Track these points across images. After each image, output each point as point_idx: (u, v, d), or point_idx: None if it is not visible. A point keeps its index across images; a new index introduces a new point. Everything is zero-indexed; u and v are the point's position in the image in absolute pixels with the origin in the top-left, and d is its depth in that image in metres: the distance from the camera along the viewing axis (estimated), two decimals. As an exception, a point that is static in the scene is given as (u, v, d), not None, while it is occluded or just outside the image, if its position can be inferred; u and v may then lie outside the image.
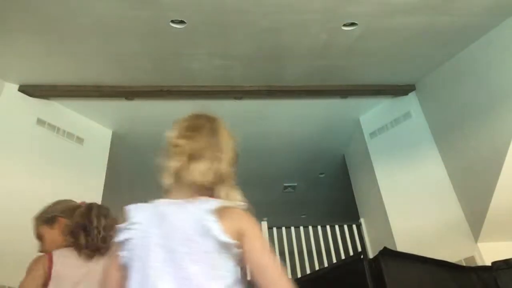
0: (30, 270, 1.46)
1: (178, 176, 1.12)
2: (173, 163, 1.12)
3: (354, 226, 5.46)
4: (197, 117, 1.28)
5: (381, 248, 2.64)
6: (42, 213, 1.81)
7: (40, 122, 4.18)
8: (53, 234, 1.71)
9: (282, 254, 5.19)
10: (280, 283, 0.99)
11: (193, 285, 0.94)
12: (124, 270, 1.02)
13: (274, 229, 5.46)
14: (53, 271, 1.48)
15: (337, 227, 5.42)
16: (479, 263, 3.65)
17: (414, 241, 4.13)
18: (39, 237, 1.76)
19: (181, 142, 1.15)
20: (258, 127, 5.23)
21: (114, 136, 5.00)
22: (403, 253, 2.65)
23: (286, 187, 7.06)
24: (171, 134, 1.20)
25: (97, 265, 1.51)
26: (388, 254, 2.39)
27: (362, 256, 2.40)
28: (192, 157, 1.12)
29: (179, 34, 3.51)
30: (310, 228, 5.41)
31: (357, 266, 2.35)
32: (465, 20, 3.55)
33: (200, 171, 1.10)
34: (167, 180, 1.12)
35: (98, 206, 1.78)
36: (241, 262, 1.03)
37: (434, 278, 2.52)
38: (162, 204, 1.11)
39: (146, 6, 3.18)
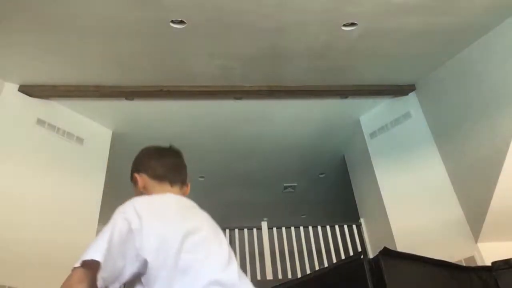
0: None
1: None
2: None
3: (354, 226, 5.46)
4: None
5: (381, 248, 2.64)
6: None
7: (40, 122, 4.18)
8: None
9: (282, 254, 5.20)
10: None
11: None
12: None
13: (274, 229, 5.47)
14: None
15: (337, 227, 5.43)
16: (479, 263, 3.65)
17: (414, 241, 4.13)
18: None
19: None
20: (258, 127, 5.23)
21: (114, 136, 5.00)
22: (403, 253, 2.64)
23: (286, 187, 7.06)
24: None
25: None
26: (388, 254, 2.39)
27: (362, 256, 2.40)
28: None
29: (179, 34, 3.51)
30: (310, 228, 5.42)
31: (357, 266, 2.35)
32: (465, 20, 3.55)
33: None
34: None
35: None
36: None
37: (434, 278, 2.52)
38: None
39: (146, 7, 3.18)
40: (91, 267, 0.99)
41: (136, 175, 1.33)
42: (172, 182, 1.33)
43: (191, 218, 1.23)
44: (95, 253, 1.00)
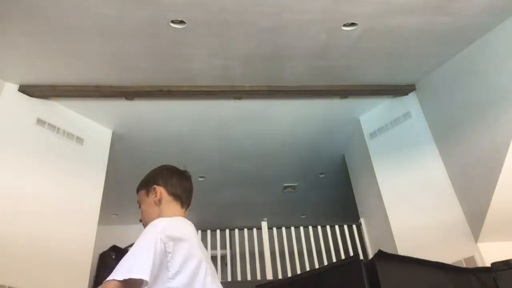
0: None
1: None
2: None
3: (354, 226, 5.46)
4: None
5: (381, 248, 2.63)
6: None
7: (40, 122, 4.18)
8: None
9: (282, 254, 5.20)
10: None
11: None
12: None
13: (274, 229, 5.47)
14: None
15: (337, 227, 5.43)
16: (479, 263, 3.64)
17: (414, 241, 4.13)
18: None
19: None
20: (258, 127, 5.23)
21: (114, 136, 5.01)
22: (398, 256, 2.64)
23: (286, 187, 7.06)
24: None
25: None
26: (383, 256, 2.38)
27: (358, 258, 2.40)
28: None
29: (179, 34, 3.51)
30: (310, 228, 5.42)
31: (354, 268, 2.35)
32: (465, 20, 3.54)
33: None
34: None
35: None
36: None
37: (431, 280, 2.52)
38: None
39: (146, 6, 3.18)
40: (130, 284, 1.02)
41: (156, 187, 1.41)
42: (183, 204, 1.43)
43: (201, 246, 1.30)
44: (142, 272, 1.03)
